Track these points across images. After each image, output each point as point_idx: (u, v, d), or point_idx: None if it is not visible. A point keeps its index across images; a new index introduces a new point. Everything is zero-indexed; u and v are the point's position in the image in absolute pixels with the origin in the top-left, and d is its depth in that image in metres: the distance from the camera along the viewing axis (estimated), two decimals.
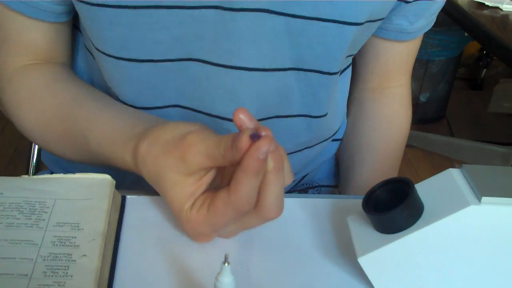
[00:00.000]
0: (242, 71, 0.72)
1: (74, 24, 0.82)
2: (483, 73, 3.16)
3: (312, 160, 0.92)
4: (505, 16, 1.49)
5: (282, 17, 0.69)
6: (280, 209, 0.57)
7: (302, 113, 0.81)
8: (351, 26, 0.72)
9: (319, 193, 0.96)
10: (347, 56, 0.80)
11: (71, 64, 0.84)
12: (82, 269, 0.53)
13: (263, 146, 0.51)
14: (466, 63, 3.14)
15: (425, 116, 2.78)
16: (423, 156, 2.51)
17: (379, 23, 0.78)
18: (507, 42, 1.33)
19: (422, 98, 2.74)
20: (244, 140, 0.52)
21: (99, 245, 0.56)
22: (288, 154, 0.84)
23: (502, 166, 2.22)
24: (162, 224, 0.63)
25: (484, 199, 0.52)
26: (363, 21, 0.73)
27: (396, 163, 0.92)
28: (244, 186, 0.53)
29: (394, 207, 0.53)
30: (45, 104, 0.75)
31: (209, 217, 0.56)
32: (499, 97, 2.92)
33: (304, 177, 0.95)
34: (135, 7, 0.66)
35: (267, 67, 0.72)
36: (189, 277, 0.56)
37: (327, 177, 0.99)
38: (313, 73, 0.76)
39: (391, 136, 0.92)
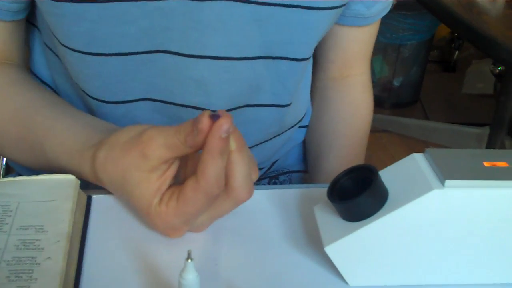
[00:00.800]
0: (211, 60, 0.71)
1: (28, 20, 0.81)
2: (456, 55, 3.17)
3: (281, 147, 0.92)
4: None
5: (248, 5, 0.69)
6: (250, 189, 0.57)
7: (271, 103, 0.81)
8: (316, 11, 0.72)
9: (289, 178, 0.97)
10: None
11: (28, 62, 0.83)
12: (47, 272, 0.52)
13: (223, 124, 0.52)
14: (438, 46, 3.15)
15: (399, 101, 2.79)
16: (398, 141, 2.52)
17: (343, 8, 0.78)
18: (473, 24, 1.33)
19: (396, 82, 2.75)
20: (205, 121, 0.52)
21: (63, 247, 0.55)
22: (258, 144, 0.84)
23: (477, 147, 2.23)
24: (129, 223, 0.62)
25: (447, 182, 0.53)
26: (327, 6, 0.73)
27: (362, 150, 0.93)
28: (211, 168, 0.53)
29: (358, 194, 0.53)
30: None
31: (180, 207, 0.56)
32: (472, 79, 2.94)
33: (273, 163, 0.95)
34: (101, 1, 0.66)
35: (236, 55, 0.72)
36: (157, 275, 0.56)
37: (296, 163, 1.00)
38: (282, 60, 0.76)
39: (355, 124, 0.93)
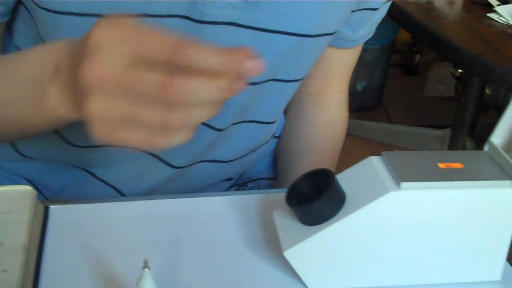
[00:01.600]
0: None
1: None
2: (417, 58, 3.21)
3: (255, 161, 0.94)
4: (430, 2, 1.52)
5: (249, 30, 0.70)
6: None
7: (253, 119, 0.82)
8: (311, 38, 0.74)
9: (258, 185, 0.97)
10: None
11: None
12: (3, 285, 0.51)
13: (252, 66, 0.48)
14: (400, 50, 3.18)
15: (362, 105, 2.81)
16: (362, 144, 2.53)
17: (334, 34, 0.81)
18: (431, 28, 1.35)
19: (359, 86, 2.77)
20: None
21: (20, 259, 0.54)
22: (238, 158, 0.85)
23: (439, 148, 2.25)
24: (87, 233, 0.62)
25: (403, 184, 0.53)
26: (320, 33, 0.75)
27: (333, 165, 0.94)
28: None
29: (316, 198, 0.54)
30: None
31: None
32: (433, 81, 2.98)
33: (243, 172, 0.96)
34: (100, 15, 0.65)
35: None
36: (115, 285, 0.55)
37: (266, 170, 1.00)
38: (272, 82, 0.78)
39: (329, 140, 0.94)
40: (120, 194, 0.82)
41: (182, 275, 0.57)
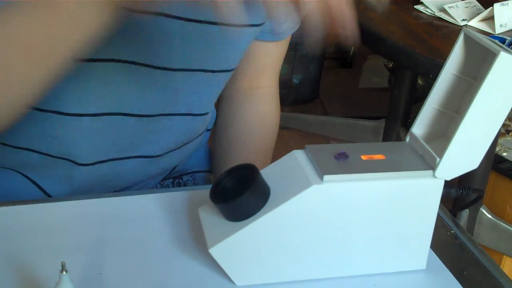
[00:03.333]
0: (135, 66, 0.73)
1: None
2: (352, 51, 3.25)
3: (189, 153, 0.93)
4: None
5: (178, 21, 0.71)
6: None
7: (185, 112, 0.82)
8: (238, 28, 0.73)
9: (193, 178, 0.97)
10: None
11: None
12: None
13: None
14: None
15: (299, 98, 2.83)
16: (299, 137, 2.55)
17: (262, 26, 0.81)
18: (359, 21, 1.36)
19: (295, 80, 2.79)
20: None
21: None
22: (169, 152, 0.84)
23: (374, 139, 2.29)
24: (6, 237, 0.60)
25: (325, 177, 0.53)
26: (247, 24, 0.76)
27: (268, 158, 0.95)
28: None
29: (240, 194, 0.53)
30: None
31: None
32: (368, 73, 3.02)
33: (177, 165, 0.96)
34: None
35: (159, 65, 0.74)
36: None
37: (200, 163, 1.00)
38: (201, 73, 0.78)
39: (262, 134, 0.95)
40: (47, 195, 0.81)
41: (107, 276, 0.56)
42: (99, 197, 0.68)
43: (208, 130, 0.97)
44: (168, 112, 0.80)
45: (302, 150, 0.58)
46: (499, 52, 0.52)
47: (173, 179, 0.96)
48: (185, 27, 0.71)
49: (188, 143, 0.88)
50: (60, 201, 0.67)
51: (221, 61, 0.80)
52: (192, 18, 0.71)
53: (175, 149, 0.86)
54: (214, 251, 0.55)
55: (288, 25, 0.88)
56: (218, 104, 0.97)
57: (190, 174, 0.97)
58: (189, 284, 0.56)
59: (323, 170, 0.54)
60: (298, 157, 0.57)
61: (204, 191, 0.68)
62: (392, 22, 1.43)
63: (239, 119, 0.95)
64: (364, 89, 2.99)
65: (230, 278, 0.56)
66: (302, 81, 2.81)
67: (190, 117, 0.83)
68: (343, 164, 0.55)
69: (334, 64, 3.25)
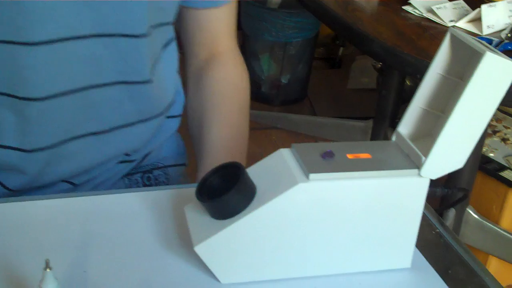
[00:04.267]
0: (44, 46, 0.71)
1: None
2: (340, 51, 3.25)
3: (151, 137, 0.90)
4: None
5: None
6: None
7: (118, 80, 0.79)
8: None
9: (166, 173, 0.95)
10: (161, 25, 0.81)
11: None
12: None
13: None
14: (323, 43, 3.22)
15: (287, 98, 2.83)
16: (288, 137, 2.55)
17: None
18: (347, 21, 1.37)
19: (284, 80, 2.79)
20: None
21: None
22: (118, 127, 0.83)
23: (362, 139, 2.30)
24: None
25: (311, 176, 0.53)
26: None
27: (244, 118, 0.94)
28: None
29: (226, 192, 0.53)
30: None
31: None
32: (356, 74, 3.02)
33: (146, 156, 0.93)
34: None
35: (67, 36, 0.72)
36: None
37: (172, 156, 0.99)
38: (120, 38, 0.76)
39: (232, 95, 0.94)
40: (8, 190, 0.80)
41: (91, 274, 0.56)
42: (84, 195, 0.67)
43: (171, 117, 0.94)
44: (96, 83, 0.78)
45: (288, 148, 0.58)
46: (485, 52, 0.52)
47: (142, 174, 0.94)
48: None
49: (142, 121, 0.86)
50: (45, 199, 0.66)
51: (137, 23, 0.77)
52: None
53: (125, 126, 0.84)
54: (199, 249, 0.54)
55: None
56: (186, 84, 0.96)
57: (162, 169, 0.95)
58: (174, 282, 0.56)
59: (309, 168, 0.54)
60: (285, 156, 0.57)
61: (190, 189, 0.67)
62: (380, 22, 1.44)
63: (207, 86, 0.94)
64: (353, 90, 3.00)
65: (215, 276, 0.56)
66: (290, 81, 2.81)
67: (126, 85, 0.80)
68: (329, 162, 0.56)
69: (322, 64, 3.25)
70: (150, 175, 0.94)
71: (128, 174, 0.92)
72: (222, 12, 0.91)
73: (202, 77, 0.94)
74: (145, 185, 0.92)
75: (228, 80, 0.95)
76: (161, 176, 0.95)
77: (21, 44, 0.70)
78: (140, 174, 0.93)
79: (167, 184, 0.95)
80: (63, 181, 0.83)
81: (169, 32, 0.88)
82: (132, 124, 0.84)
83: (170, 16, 0.84)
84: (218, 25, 0.93)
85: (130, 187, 0.91)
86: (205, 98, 0.93)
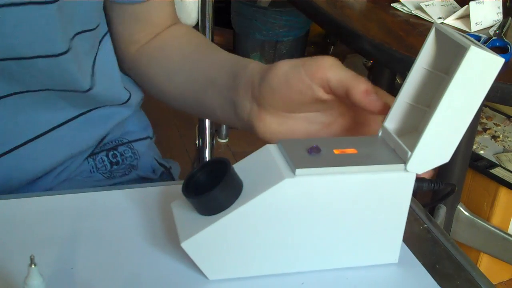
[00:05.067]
0: None
1: None
2: (331, 50, 3.26)
3: (106, 119, 0.87)
4: None
5: None
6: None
7: (44, 88, 0.76)
8: (52, 4, 0.69)
9: (131, 148, 0.92)
10: (81, 32, 0.76)
11: None
12: None
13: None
14: (314, 42, 3.22)
15: None
16: None
17: None
18: (336, 18, 1.37)
19: None
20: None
21: None
22: (56, 126, 0.80)
23: None
24: None
25: (298, 171, 0.53)
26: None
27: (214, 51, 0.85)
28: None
29: (213, 188, 0.53)
30: None
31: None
32: None
33: (104, 137, 0.89)
34: None
35: None
36: (4, 285, 0.54)
37: (136, 131, 0.95)
38: (35, 59, 0.72)
39: (188, 40, 0.88)
40: None
41: (78, 271, 0.56)
42: (70, 193, 0.67)
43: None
44: (23, 90, 0.75)
45: (275, 144, 0.58)
46: (469, 47, 0.52)
47: (106, 152, 0.90)
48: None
49: (92, 109, 0.83)
50: (31, 197, 0.66)
51: (53, 43, 0.72)
52: None
53: (76, 117, 0.82)
54: (186, 245, 0.54)
55: None
56: (136, 75, 0.90)
57: (126, 144, 0.92)
58: (161, 279, 0.56)
59: (295, 164, 0.54)
60: (271, 151, 0.57)
61: (177, 186, 0.67)
62: (369, 19, 1.44)
63: (160, 56, 0.85)
64: None
65: (203, 272, 0.56)
66: None
67: (55, 92, 0.77)
68: (316, 158, 0.56)
69: None
70: (116, 151, 0.91)
71: (92, 154, 0.88)
72: (158, 1, 0.85)
73: (152, 51, 0.87)
74: (111, 163, 0.89)
75: (178, 36, 0.88)
76: (127, 151, 0.92)
77: None
78: (105, 153, 0.90)
79: (136, 159, 0.91)
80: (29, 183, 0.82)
81: (98, 32, 0.82)
82: (81, 114, 0.82)
83: (94, 22, 0.79)
84: (158, 14, 0.87)
85: (96, 167, 0.88)
86: (166, 63, 0.85)
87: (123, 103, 0.87)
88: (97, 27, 0.80)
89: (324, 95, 0.63)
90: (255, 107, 0.68)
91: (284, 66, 0.64)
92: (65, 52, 0.73)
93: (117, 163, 0.90)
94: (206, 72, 0.78)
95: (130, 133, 0.93)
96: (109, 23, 0.86)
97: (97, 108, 0.84)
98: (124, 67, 0.90)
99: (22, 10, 0.67)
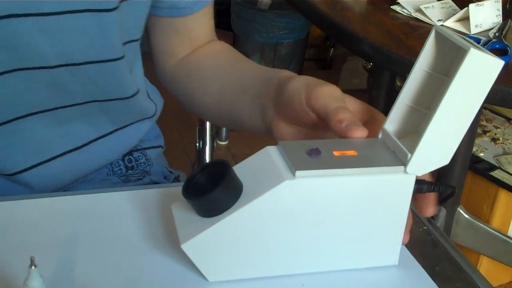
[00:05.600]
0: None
1: None
2: (331, 52, 3.27)
3: (136, 134, 0.91)
4: None
5: (31, 18, 0.67)
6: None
7: (90, 100, 0.79)
8: (108, 12, 0.72)
9: (144, 155, 0.95)
10: (128, 42, 0.80)
11: None
12: None
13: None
14: (314, 44, 3.23)
15: None
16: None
17: (140, 3, 0.77)
18: (336, 20, 1.37)
19: None
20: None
21: None
22: (94, 140, 0.83)
23: None
24: None
25: (298, 173, 0.53)
26: (116, 5, 0.72)
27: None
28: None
29: (213, 190, 0.53)
30: None
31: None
32: (347, 75, 3.04)
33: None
34: None
35: (29, 66, 0.71)
36: (4, 286, 0.54)
37: (149, 139, 0.98)
38: (87, 65, 0.75)
39: (226, 55, 0.90)
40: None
41: (78, 273, 0.56)
42: (71, 194, 0.67)
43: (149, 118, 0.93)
44: (66, 105, 0.78)
45: (275, 146, 0.59)
46: (469, 49, 0.52)
47: (122, 156, 0.93)
48: (41, 22, 0.68)
49: (123, 127, 0.87)
50: (31, 199, 0.66)
51: (104, 49, 0.75)
52: (46, 12, 0.68)
53: (108, 134, 0.85)
54: (186, 247, 0.54)
55: None
56: (169, 86, 0.94)
57: (141, 151, 0.95)
58: (161, 281, 0.56)
59: (295, 165, 0.54)
60: (271, 153, 0.58)
61: (177, 188, 0.67)
62: (369, 22, 1.44)
63: (200, 71, 0.89)
64: (343, 90, 3.01)
65: (203, 274, 0.56)
66: None
67: (99, 103, 0.80)
68: (316, 159, 0.56)
69: (313, 65, 3.26)
70: (131, 156, 0.94)
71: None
72: (200, 16, 0.89)
73: (191, 64, 0.90)
74: (127, 168, 0.92)
75: (216, 53, 0.91)
76: (141, 157, 0.94)
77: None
78: (121, 157, 0.93)
79: (149, 165, 0.94)
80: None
81: (139, 43, 0.86)
82: (114, 131, 0.85)
83: (139, 33, 0.82)
84: (197, 29, 0.91)
85: (113, 171, 0.91)
86: (206, 76, 0.89)
87: (151, 117, 0.91)
88: (140, 38, 0.83)
89: (317, 120, 0.65)
90: (275, 114, 0.71)
91: (298, 84, 0.67)
92: (120, 58, 0.77)
93: (132, 167, 0.93)
94: (240, 82, 0.82)
95: (144, 141, 0.96)
96: (149, 36, 0.90)
97: (130, 124, 0.88)
98: (164, 80, 0.93)
99: (78, 17, 0.70)
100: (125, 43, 0.78)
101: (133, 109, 0.86)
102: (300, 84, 0.66)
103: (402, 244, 0.60)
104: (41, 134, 0.78)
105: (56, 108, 0.77)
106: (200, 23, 0.90)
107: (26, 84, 0.73)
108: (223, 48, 0.92)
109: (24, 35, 0.68)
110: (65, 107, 0.78)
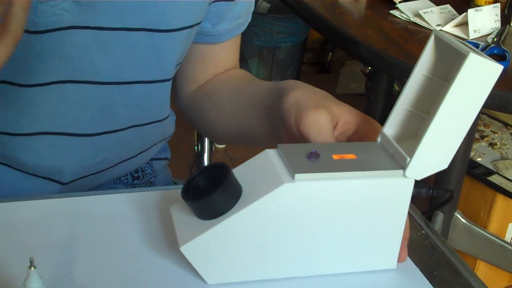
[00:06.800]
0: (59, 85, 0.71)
1: None
2: (329, 56, 3.27)
3: (152, 153, 0.93)
4: None
5: (88, 31, 0.69)
6: None
7: (131, 125, 0.81)
8: (164, 33, 0.73)
9: (151, 166, 0.96)
10: (178, 64, 0.82)
11: None
12: None
13: None
14: (313, 48, 3.23)
15: None
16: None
17: (197, 27, 0.79)
18: (335, 25, 1.37)
19: None
20: None
21: None
22: (121, 162, 0.85)
23: None
24: None
25: (297, 176, 0.54)
26: (176, 27, 0.74)
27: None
28: None
29: (212, 192, 0.53)
30: None
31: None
32: (345, 79, 3.04)
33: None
34: None
35: (81, 79, 0.72)
36: (3, 286, 0.54)
37: (157, 152, 0.99)
38: (134, 85, 0.76)
39: (239, 78, 0.91)
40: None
41: (77, 275, 0.56)
42: (71, 196, 0.67)
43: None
44: (111, 130, 0.79)
45: (274, 149, 0.59)
46: (468, 54, 0.53)
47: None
48: (98, 36, 0.70)
49: (144, 151, 0.88)
50: (30, 200, 0.66)
51: (155, 70, 0.77)
52: (103, 26, 0.70)
53: (130, 158, 0.87)
54: (185, 250, 0.55)
55: (223, 27, 0.86)
56: (186, 110, 0.95)
57: (148, 162, 0.97)
58: (160, 283, 0.56)
59: (294, 168, 0.54)
60: (271, 156, 0.58)
61: (176, 191, 0.67)
62: (368, 26, 1.45)
63: (217, 93, 0.90)
64: (341, 95, 3.01)
65: (202, 276, 0.56)
66: None
67: (137, 128, 0.82)
68: (315, 163, 0.56)
69: (311, 69, 3.26)
70: (138, 168, 0.95)
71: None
72: (228, 45, 0.90)
73: (208, 88, 0.91)
74: (133, 178, 0.93)
75: (232, 74, 0.93)
76: (147, 168, 0.96)
77: (23, 85, 0.71)
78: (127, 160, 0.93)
79: (154, 177, 0.96)
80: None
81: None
82: (134, 156, 0.87)
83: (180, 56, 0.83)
84: (223, 57, 0.91)
85: (119, 180, 0.92)
86: (225, 102, 0.90)
87: (168, 137, 0.93)
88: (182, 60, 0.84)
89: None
90: (280, 122, 0.71)
91: (291, 100, 0.67)
92: (168, 80, 0.79)
93: (138, 178, 0.94)
94: (251, 99, 0.83)
95: (153, 153, 0.97)
96: None
97: (153, 145, 0.90)
98: (182, 105, 0.94)
99: (133, 35, 0.71)
100: (176, 66, 0.80)
101: (161, 131, 0.88)
102: (293, 102, 0.66)
103: (399, 262, 0.61)
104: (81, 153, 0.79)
105: (101, 133, 0.78)
106: (227, 52, 0.91)
107: (74, 98, 0.73)
108: (240, 73, 0.93)
109: (79, 47, 0.69)
110: (109, 132, 0.79)
